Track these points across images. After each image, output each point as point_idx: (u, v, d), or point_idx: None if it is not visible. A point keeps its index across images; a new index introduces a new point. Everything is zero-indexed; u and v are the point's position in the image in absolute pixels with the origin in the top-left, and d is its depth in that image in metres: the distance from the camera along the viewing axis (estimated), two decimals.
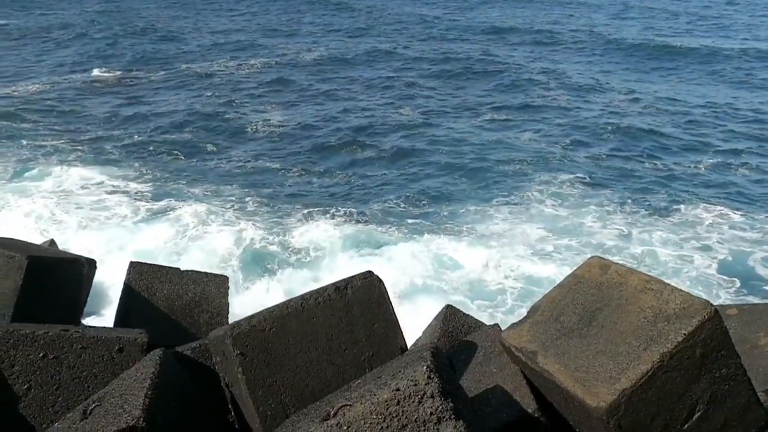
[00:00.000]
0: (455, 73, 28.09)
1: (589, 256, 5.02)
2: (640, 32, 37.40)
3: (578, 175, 16.53)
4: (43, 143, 18.56)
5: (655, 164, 17.62)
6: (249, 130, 20.49)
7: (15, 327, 5.31)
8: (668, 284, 4.49)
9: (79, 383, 5.16)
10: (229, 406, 5.16)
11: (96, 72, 27.82)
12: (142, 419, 4.15)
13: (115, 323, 7.02)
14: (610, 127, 20.72)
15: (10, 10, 47.84)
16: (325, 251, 8.46)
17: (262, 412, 4.67)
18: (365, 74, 28.22)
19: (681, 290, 4.36)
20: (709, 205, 14.70)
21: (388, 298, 5.22)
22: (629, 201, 15.06)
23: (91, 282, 7.57)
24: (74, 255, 7.62)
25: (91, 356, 5.24)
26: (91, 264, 7.56)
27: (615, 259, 5.22)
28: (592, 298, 4.62)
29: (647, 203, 14.98)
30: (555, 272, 11.36)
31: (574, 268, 4.94)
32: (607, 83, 26.92)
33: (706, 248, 12.65)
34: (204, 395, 5.24)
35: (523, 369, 4.78)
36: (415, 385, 3.56)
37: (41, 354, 5.12)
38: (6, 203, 14.14)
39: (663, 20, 43.52)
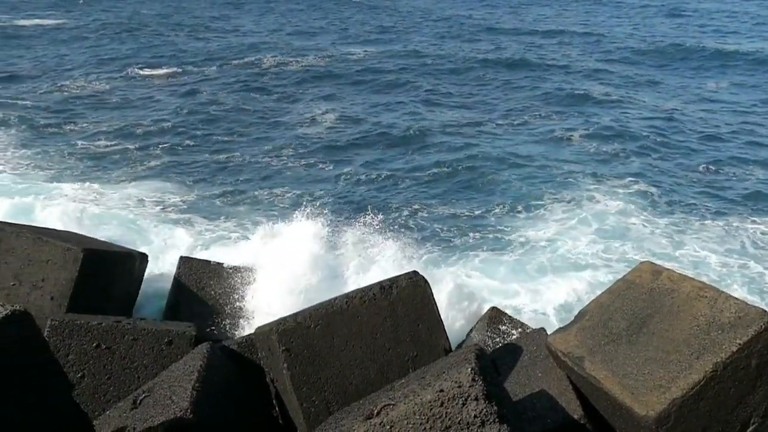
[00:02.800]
0: (501, 73, 27.84)
1: (637, 260, 4.90)
2: (694, 34, 36.43)
3: (628, 178, 16.16)
4: (97, 138, 19.15)
5: (709, 169, 17.08)
6: (300, 129, 20.72)
7: (70, 317, 5.50)
8: (722, 292, 4.36)
9: (130, 373, 5.31)
10: (274, 401, 5.22)
11: (147, 69, 28.59)
12: (189, 411, 4.24)
13: (165, 316, 7.19)
14: (661, 131, 20.23)
15: (66, 9, 49.73)
16: (374, 251, 8.49)
17: (305, 408, 4.72)
18: (410, 74, 28.22)
19: (736, 298, 4.23)
20: (764, 213, 14.20)
21: (433, 299, 5.21)
22: (679, 206, 14.65)
23: (143, 275, 7.76)
24: (127, 249, 7.83)
25: (142, 348, 5.38)
26: (143, 258, 7.75)
27: (665, 264, 5.08)
28: (642, 304, 4.51)
29: (699, 208, 14.54)
30: (602, 276, 11.12)
31: (622, 272, 4.84)
32: (661, 86, 26.30)
33: (760, 257, 12.22)
34: (249, 389, 5.32)
35: (569, 374, 4.71)
36: (459, 387, 3.54)
37: (95, 344, 5.29)
38: (61, 194, 14.59)
39: (721, 22, 42.32)
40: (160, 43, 35.34)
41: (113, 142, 18.88)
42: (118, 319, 5.70)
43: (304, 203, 8.95)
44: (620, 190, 15.21)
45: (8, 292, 6.15)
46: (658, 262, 5.35)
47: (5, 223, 6.65)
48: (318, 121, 21.45)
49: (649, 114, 22.37)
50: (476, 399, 3.51)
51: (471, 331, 6.73)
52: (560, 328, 4.94)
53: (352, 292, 5.12)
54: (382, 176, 16.28)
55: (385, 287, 5.09)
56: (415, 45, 35.03)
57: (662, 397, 3.87)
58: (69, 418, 3.68)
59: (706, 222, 13.73)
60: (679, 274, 4.73)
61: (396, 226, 12.61)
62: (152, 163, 17.10)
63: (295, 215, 8.77)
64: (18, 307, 3.43)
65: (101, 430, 4.44)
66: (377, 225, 11.42)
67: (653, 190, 15.27)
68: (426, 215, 13.80)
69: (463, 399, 3.52)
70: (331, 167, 16.97)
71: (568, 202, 14.52)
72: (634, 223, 13.46)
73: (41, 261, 6.15)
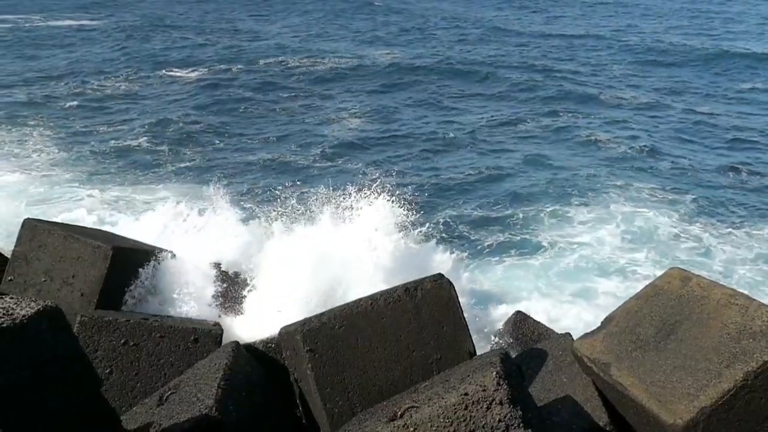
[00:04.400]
0: (527, 77, 27.67)
1: (664, 266, 4.83)
2: (720, 40, 35.85)
3: (656, 183, 15.95)
4: (130, 137, 19.44)
5: (739, 174, 16.79)
6: (327, 128, 20.82)
7: (99, 314, 5.58)
8: (754, 300, 4.28)
9: (157, 370, 5.38)
10: (297, 401, 5.25)
11: (177, 69, 28.97)
12: (214, 409, 4.28)
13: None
14: (690, 135, 19.95)
15: (98, 10, 50.69)
16: (398, 252, 8.46)
17: (329, 408, 4.73)
18: (435, 76, 28.19)
19: None
20: None
21: (458, 302, 5.19)
22: (708, 211, 14.41)
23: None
24: (154, 246, 7.92)
25: (169, 345, 5.45)
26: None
27: (693, 271, 5.00)
28: (671, 310, 4.45)
29: (728, 214, 14.29)
30: (629, 281, 10.99)
31: (649, 277, 4.77)
32: (690, 89, 25.94)
33: None
34: (273, 388, 5.35)
35: (595, 380, 4.66)
36: (484, 390, 3.52)
37: (123, 341, 5.36)
38: (92, 193, 14.84)
39: (748, 25, 41.59)
40: (190, 44, 35.83)
41: (145, 141, 19.17)
42: (146, 317, 5.78)
43: (328, 202, 8.97)
44: (647, 195, 15.02)
45: (39, 288, 6.27)
46: (686, 267, 5.27)
47: (38, 220, 6.78)
48: (344, 122, 21.53)
49: (678, 117, 22.08)
50: (501, 403, 3.49)
51: (496, 334, 6.70)
52: (586, 334, 4.89)
53: (377, 293, 5.13)
54: (407, 177, 16.29)
55: (409, 289, 5.09)
56: (441, 47, 35.00)
57: (690, 406, 3.80)
58: (98, 413, 3.73)
59: (735, 228, 13.49)
60: (709, 280, 4.65)
61: (420, 227, 12.60)
62: (183, 164, 17.30)
63: (318, 214, 8.79)
64: (49, 303, 3.50)
65: (128, 425, 4.50)
66: (401, 226, 11.41)
67: (681, 194, 15.06)
68: (451, 217, 13.77)
69: (488, 403, 3.50)
70: (356, 166, 17.01)
71: (595, 205, 14.38)
72: (662, 228, 13.28)
73: (72, 258, 6.26)
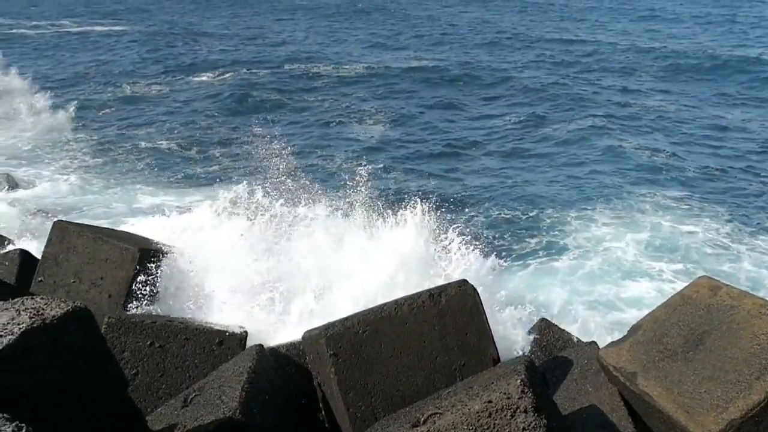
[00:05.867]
0: (551, 82, 27.50)
1: (692, 273, 4.76)
2: (750, 47, 35.23)
3: (683, 190, 15.72)
4: (161, 140, 19.74)
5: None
6: (352, 132, 20.91)
7: (126, 315, 5.66)
8: None
9: (182, 372, 5.43)
10: (320, 405, 5.26)
11: (202, 73, 29.39)
12: (238, 411, 4.31)
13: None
14: (718, 142, 19.63)
15: (127, 16, 51.66)
16: (423, 258, 8.43)
17: (352, 413, 4.74)
18: (463, 80, 28.16)
19: None
20: None
21: (482, 308, 5.16)
22: (737, 219, 14.14)
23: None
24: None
25: (193, 347, 5.49)
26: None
27: (720, 279, 4.91)
28: (699, 320, 4.38)
29: (758, 223, 14.02)
30: (655, 289, 10.82)
31: (676, 286, 4.70)
32: (717, 96, 25.54)
33: None
34: (296, 392, 5.37)
35: (621, 390, 4.60)
36: (508, 398, 3.49)
37: (149, 342, 5.42)
38: (125, 197, 15.09)
39: None
40: (217, 49, 36.36)
41: (175, 144, 19.45)
42: (171, 318, 5.84)
43: (350, 205, 9.00)
44: (675, 203, 14.81)
45: (69, 289, 6.37)
46: (715, 276, 5.19)
47: (69, 222, 6.90)
48: (369, 126, 21.61)
49: (707, 124, 21.75)
50: (525, 411, 3.46)
51: (520, 342, 6.64)
52: (612, 342, 4.83)
53: (401, 298, 5.12)
54: (432, 180, 16.28)
55: (433, 295, 5.08)
56: (467, 52, 34.96)
57: (719, 418, 3.74)
58: (124, 414, 3.78)
59: (766, 236, 13.23)
60: (739, 290, 4.57)
61: (445, 233, 12.55)
62: (211, 168, 17.48)
63: (346, 219, 8.83)
64: (79, 304, 3.55)
65: (153, 426, 4.54)
66: (426, 231, 11.35)
67: (710, 202, 14.81)
68: (475, 222, 13.70)
69: (512, 411, 3.47)
70: (382, 171, 17.04)
71: (621, 211, 14.21)
72: (690, 236, 13.07)
73: (100, 260, 6.36)
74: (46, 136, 20.04)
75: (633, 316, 8.99)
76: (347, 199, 9.11)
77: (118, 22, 48.76)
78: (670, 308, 4.62)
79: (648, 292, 10.59)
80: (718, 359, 4.07)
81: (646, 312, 5.03)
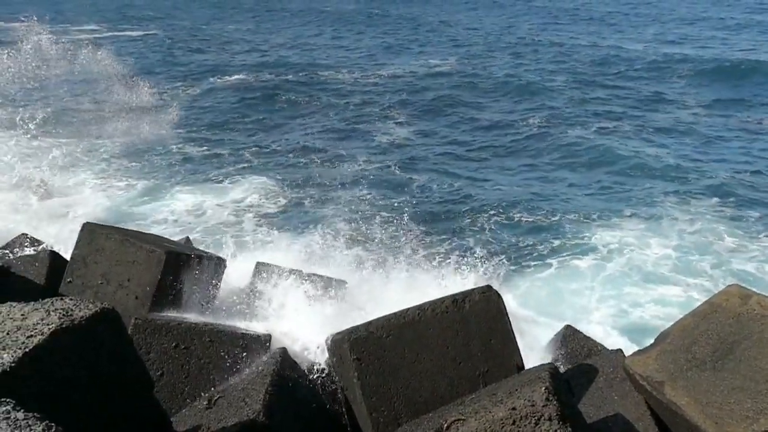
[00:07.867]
0: (577, 90, 27.32)
1: (722, 283, 4.68)
2: None
3: (714, 195, 15.46)
4: (191, 142, 20.01)
5: None
6: (377, 139, 20.98)
7: (153, 317, 5.72)
8: None
9: (206, 374, 5.46)
10: (343, 409, 5.26)
11: (227, 77, 29.81)
12: (262, 414, 4.33)
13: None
14: (747, 148, 19.31)
15: (154, 21, 52.57)
16: (447, 263, 8.41)
17: (374, 418, 4.73)
18: (485, 87, 28.12)
19: None
20: None
21: (507, 314, 5.12)
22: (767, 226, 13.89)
23: (221, 279, 7.97)
24: (206, 252, 8.08)
25: (218, 349, 5.53)
26: (221, 262, 7.98)
27: (752, 288, 4.82)
28: (729, 329, 4.29)
29: None
30: (683, 297, 10.64)
31: (705, 294, 4.63)
32: (745, 102, 25.13)
33: None
34: (320, 396, 5.38)
35: (647, 399, 4.52)
36: (533, 405, 3.46)
37: (174, 344, 5.47)
38: (156, 199, 15.31)
39: None
40: (242, 52, 36.88)
41: (205, 148, 19.71)
42: (196, 321, 5.88)
43: (378, 212, 9.01)
44: (705, 209, 14.58)
45: (96, 290, 6.45)
46: (746, 285, 5.09)
47: (97, 224, 6.99)
48: (394, 133, 21.66)
49: (737, 127, 21.43)
50: (550, 419, 3.42)
51: (544, 348, 6.58)
52: (639, 350, 4.76)
53: (425, 303, 5.11)
54: (456, 184, 16.26)
55: (457, 300, 5.05)
56: (490, 60, 34.92)
57: (749, 429, 3.66)
58: (150, 414, 3.82)
59: None
60: None
61: (470, 237, 12.50)
62: (237, 175, 17.64)
63: (368, 224, 8.86)
64: (106, 305, 3.61)
65: (178, 427, 4.58)
66: (449, 235, 11.31)
67: (741, 209, 14.56)
68: (501, 226, 13.63)
69: (536, 418, 3.44)
70: (405, 175, 17.07)
71: (649, 217, 14.03)
72: (720, 243, 12.86)
73: (127, 262, 6.43)
74: (82, 143, 20.33)
75: (660, 324, 8.86)
76: (363, 202, 9.13)
77: (145, 27, 49.60)
78: (698, 316, 4.54)
79: (675, 300, 10.43)
80: (748, 369, 3.99)
81: (673, 320, 4.96)
